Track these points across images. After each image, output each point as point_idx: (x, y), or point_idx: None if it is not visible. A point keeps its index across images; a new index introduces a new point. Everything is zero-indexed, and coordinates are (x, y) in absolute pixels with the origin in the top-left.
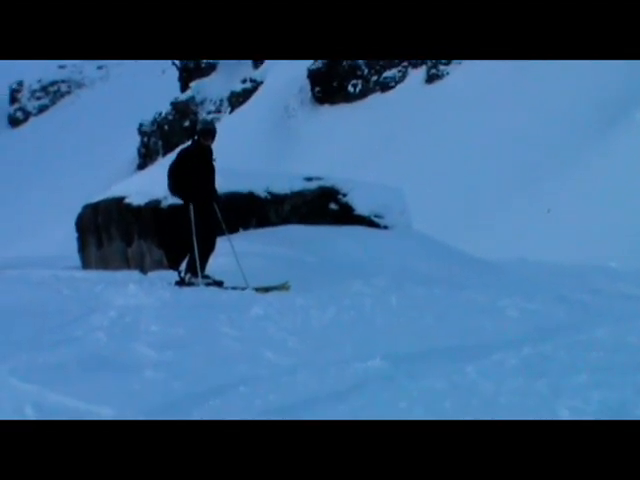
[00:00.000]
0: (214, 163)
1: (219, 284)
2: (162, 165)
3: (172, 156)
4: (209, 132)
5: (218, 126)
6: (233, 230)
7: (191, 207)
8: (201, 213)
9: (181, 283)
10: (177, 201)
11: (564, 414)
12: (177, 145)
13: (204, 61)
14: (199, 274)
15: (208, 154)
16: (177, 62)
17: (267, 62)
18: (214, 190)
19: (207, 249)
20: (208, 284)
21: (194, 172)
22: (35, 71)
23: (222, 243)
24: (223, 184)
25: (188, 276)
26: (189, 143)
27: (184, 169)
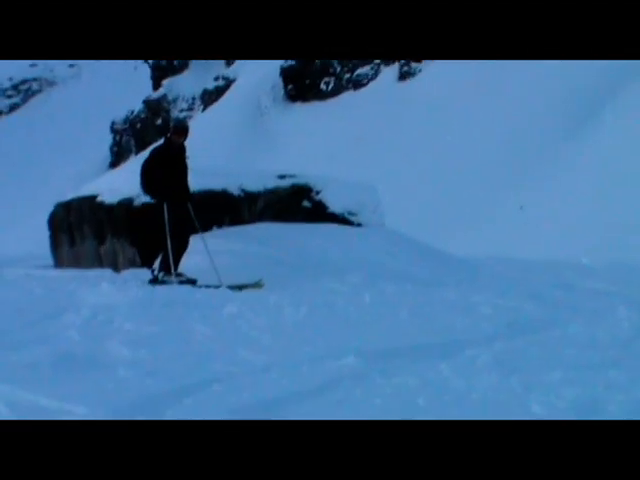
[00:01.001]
0: (187, 161)
1: (192, 282)
2: (135, 163)
3: (145, 154)
4: (182, 130)
5: (191, 124)
6: (206, 228)
7: (164, 205)
8: (174, 211)
9: (154, 281)
10: (150, 199)
11: (536, 410)
12: (150, 143)
13: None
14: (172, 272)
15: (181, 152)
16: (150, 60)
17: (240, 59)
18: (187, 188)
19: (180, 247)
20: (181, 282)
21: (167, 170)
22: (6, 69)
23: (195, 241)
24: (196, 182)
25: (161, 274)
26: (162, 141)
27: (157, 167)
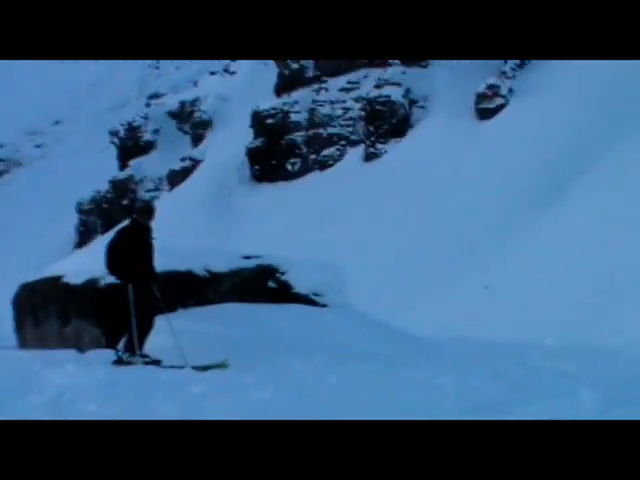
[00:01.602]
0: (153, 242)
1: (157, 363)
2: (101, 243)
3: (110, 234)
4: (148, 211)
5: (157, 204)
6: (171, 309)
7: (129, 286)
8: (139, 292)
9: (119, 362)
10: (115, 280)
11: None
12: (116, 223)
13: (143, 140)
14: (137, 353)
15: (147, 233)
16: (116, 140)
17: (206, 140)
18: (152, 269)
19: (145, 328)
20: (146, 363)
21: (132, 251)
22: None
23: (160, 321)
24: (162, 262)
25: (126, 355)
26: (127, 222)
27: (122, 248)
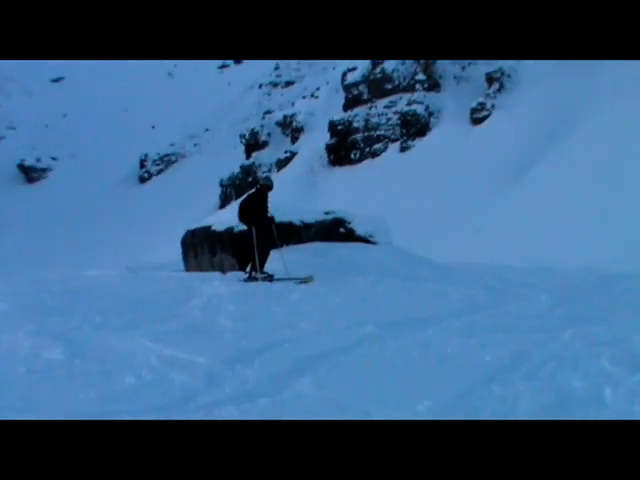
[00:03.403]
0: (269, 203)
1: (271, 277)
2: (235, 206)
3: (242, 198)
4: (270, 184)
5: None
6: (281, 245)
7: (253, 230)
8: (259, 234)
9: (248, 279)
10: (244, 227)
11: (487, 359)
12: (244, 193)
13: (260, 140)
14: (258, 272)
15: (266, 197)
16: (244, 141)
17: (300, 140)
18: (269, 218)
19: (263, 257)
20: (264, 279)
21: (254, 208)
22: (154, 149)
23: (275, 253)
24: (275, 216)
25: (253, 274)
26: (254, 190)
27: (249, 206)
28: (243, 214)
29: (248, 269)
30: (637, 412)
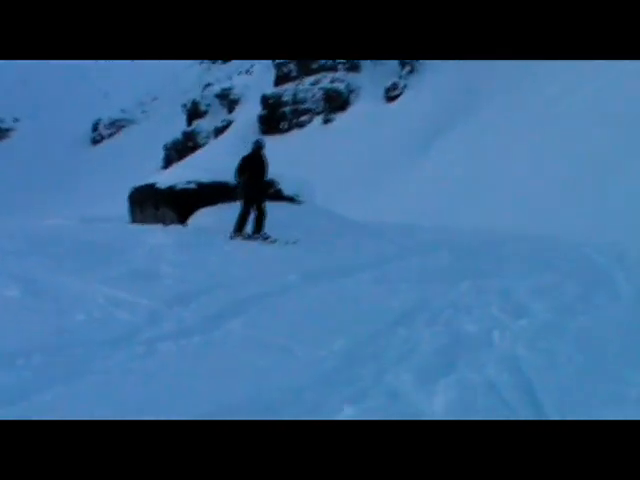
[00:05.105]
0: (265, 161)
1: (247, 236)
2: (176, 168)
3: (187, 161)
4: (263, 144)
5: (208, 147)
6: (212, 203)
7: (242, 189)
8: (247, 197)
9: (237, 236)
10: (187, 186)
11: (394, 304)
12: (185, 156)
13: (200, 110)
14: (235, 232)
15: (259, 160)
16: (186, 110)
17: (236, 110)
18: (262, 183)
19: (243, 220)
20: (243, 237)
21: (247, 170)
22: (107, 114)
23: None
24: (211, 176)
25: (234, 234)
26: (249, 152)
27: (241, 168)
28: (239, 172)
29: (232, 228)
30: (520, 352)
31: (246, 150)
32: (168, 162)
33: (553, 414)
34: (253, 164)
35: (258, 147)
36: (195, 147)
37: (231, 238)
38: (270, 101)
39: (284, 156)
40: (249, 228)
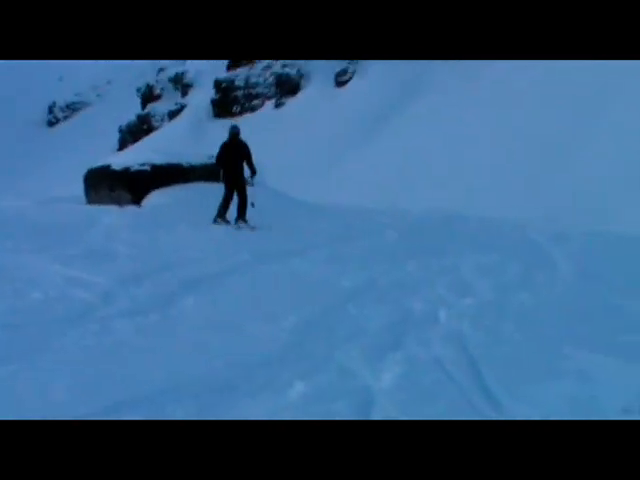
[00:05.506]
0: (248, 148)
1: (228, 222)
2: (131, 150)
3: (142, 143)
4: (238, 131)
5: (161, 130)
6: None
7: (224, 175)
8: (228, 183)
9: (219, 220)
10: (136, 167)
11: (345, 284)
12: (139, 139)
13: (155, 93)
14: (217, 217)
15: (237, 147)
16: (140, 93)
17: (189, 94)
18: (240, 171)
19: (224, 206)
20: (225, 222)
21: (227, 154)
22: (63, 97)
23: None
24: (165, 159)
25: (219, 219)
26: (227, 139)
27: (220, 156)
28: (219, 159)
29: (215, 213)
30: (465, 329)
31: (202, 134)
32: (123, 144)
33: (496, 388)
34: (231, 150)
35: (234, 134)
36: (149, 130)
37: (214, 222)
38: (223, 85)
39: None
40: (229, 215)
